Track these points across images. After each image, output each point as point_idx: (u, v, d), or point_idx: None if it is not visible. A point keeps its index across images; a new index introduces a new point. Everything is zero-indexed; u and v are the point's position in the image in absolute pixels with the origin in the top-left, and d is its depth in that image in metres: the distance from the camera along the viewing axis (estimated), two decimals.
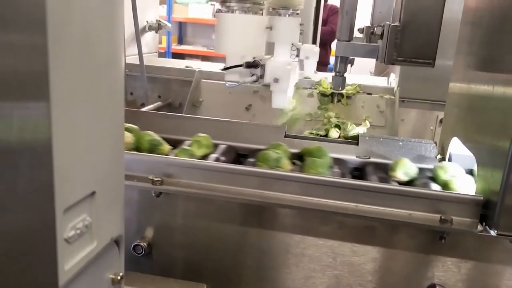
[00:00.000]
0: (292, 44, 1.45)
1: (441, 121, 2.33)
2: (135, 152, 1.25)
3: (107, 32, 0.60)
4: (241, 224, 1.14)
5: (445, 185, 1.18)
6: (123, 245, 0.69)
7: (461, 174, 1.21)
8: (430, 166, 1.36)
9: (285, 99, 1.50)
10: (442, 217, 0.97)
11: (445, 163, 1.30)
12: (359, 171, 1.40)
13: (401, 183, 1.23)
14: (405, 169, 1.26)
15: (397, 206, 1.02)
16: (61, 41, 0.48)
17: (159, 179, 1.12)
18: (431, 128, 2.22)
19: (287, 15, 1.44)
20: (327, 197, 1.06)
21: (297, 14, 1.44)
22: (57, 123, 0.47)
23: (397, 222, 1.01)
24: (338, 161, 1.41)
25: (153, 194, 1.15)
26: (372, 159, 1.42)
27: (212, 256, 1.16)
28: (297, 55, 1.52)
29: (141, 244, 1.18)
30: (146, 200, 1.18)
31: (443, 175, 1.21)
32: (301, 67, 1.73)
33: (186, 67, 2.70)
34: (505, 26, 1.03)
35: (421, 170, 1.31)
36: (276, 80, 1.42)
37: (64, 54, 0.49)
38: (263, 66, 1.42)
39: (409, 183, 1.25)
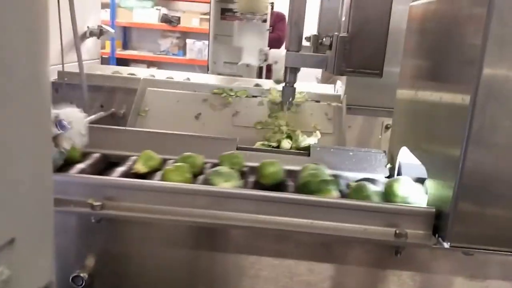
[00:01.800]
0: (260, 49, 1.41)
1: (386, 126, 2.39)
2: (71, 174, 1.15)
3: (26, 46, 0.52)
4: (191, 248, 1.07)
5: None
6: None
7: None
8: (380, 175, 1.37)
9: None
10: (397, 231, 0.96)
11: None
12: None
13: (141, 174, 1.27)
14: (146, 161, 1.31)
15: (351, 221, 1.00)
16: None
17: (99, 203, 1.03)
18: (380, 137, 2.28)
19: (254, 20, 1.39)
20: (282, 214, 1.02)
21: (264, 21, 1.38)
22: None
23: (353, 238, 0.99)
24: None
25: (93, 220, 1.05)
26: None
27: (161, 285, 1.08)
28: (266, 60, 1.47)
29: (81, 274, 1.07)
30: (85, 227, 1.08)
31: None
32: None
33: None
34: (451, 35, 1.04)
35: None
36: None
37: None
38: None
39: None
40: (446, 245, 0.92)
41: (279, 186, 1.28)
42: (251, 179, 1.32)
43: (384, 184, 1.23)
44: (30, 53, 0.53)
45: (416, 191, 1.15)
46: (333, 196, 1.15)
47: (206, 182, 1.18)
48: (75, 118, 1.21)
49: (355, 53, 1.22)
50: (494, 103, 0.86)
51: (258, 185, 1.28)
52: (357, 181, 1.31)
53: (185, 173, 1.22)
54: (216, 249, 1.07)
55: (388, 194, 1.16)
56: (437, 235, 0.96)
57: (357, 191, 1.18)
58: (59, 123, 1.14)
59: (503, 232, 0.91)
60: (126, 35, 5.99)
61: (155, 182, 1.14)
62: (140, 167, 1.29)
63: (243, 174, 1.33)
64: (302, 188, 1.20)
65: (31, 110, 0.54)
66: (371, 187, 1.19)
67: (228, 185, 1.17)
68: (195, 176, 1.27)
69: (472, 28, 0.91)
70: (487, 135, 0.88)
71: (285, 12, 4.12)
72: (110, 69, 2.91)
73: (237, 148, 1.50)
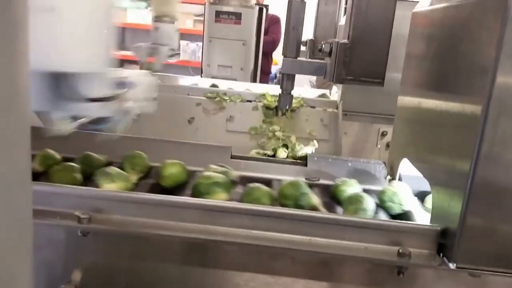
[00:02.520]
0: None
1: (383, 133, 2.35)
2: (57, 184, 1.08)
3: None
4: (183, 264, 1.02)
5: None
6: None
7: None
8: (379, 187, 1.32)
9: None
10: (400, 250, 0.91)
11: None
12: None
13: (38, 173, 1.22)
14: (43, 160, 1.25)
15: (352, 239, 0.95)
16: None
17: (86, 216, 0.97)
18: (378, 146, 2.24)
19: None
20: (278, 230, 0.97)
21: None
22: None
23: (353, 257, 0.94)
24: None
25: (80, 234, 0.99)
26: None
27: None
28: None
29: None
30: (71, 240, 1.02)
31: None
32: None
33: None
34: (460, 43, 0.99)
35: None
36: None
37: None
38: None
39: None
40: (452, 265, 0.87)
41: (179, 188, 1.22)
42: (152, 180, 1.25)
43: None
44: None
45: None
46: (221, 198, 1.10)
47: (93, 183, 1.12)
48: (140, 80, 1.13)
49: (356, 60, 1.18)
50: (507, 114, 0.81)
51: (156, 187, 1.22)
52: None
53: (73, 173, 1.16)
54: (209, 265, 1.01)
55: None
56: (441, 255, 0.91)
57: (248, 193, 1.13)
58: (121, 82, 1.04)
59: None
60: (120, 35, 5.92)
61: (144, 194, 1.08)
62: (37, 166, 1.24)
63: (146, 175, 1.28)
64: (194, 190, 1.15)
65: (8, 129, 0.48)
66: (264, 189, 1.14)
67: (113, 186, 1.11)
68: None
69: (485, 36, 0.86)
70: (499, 147, 0.83)
71: (280, 14, 4.11)
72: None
73: (232, 157, 1.45)
